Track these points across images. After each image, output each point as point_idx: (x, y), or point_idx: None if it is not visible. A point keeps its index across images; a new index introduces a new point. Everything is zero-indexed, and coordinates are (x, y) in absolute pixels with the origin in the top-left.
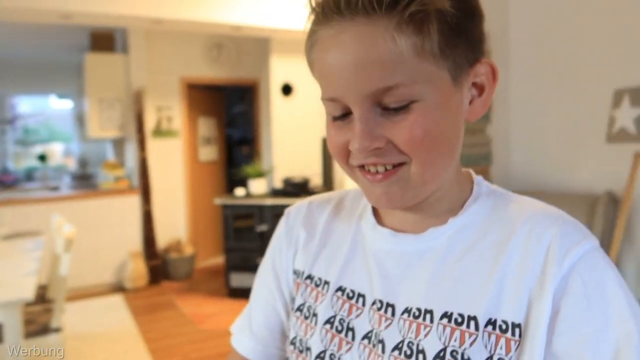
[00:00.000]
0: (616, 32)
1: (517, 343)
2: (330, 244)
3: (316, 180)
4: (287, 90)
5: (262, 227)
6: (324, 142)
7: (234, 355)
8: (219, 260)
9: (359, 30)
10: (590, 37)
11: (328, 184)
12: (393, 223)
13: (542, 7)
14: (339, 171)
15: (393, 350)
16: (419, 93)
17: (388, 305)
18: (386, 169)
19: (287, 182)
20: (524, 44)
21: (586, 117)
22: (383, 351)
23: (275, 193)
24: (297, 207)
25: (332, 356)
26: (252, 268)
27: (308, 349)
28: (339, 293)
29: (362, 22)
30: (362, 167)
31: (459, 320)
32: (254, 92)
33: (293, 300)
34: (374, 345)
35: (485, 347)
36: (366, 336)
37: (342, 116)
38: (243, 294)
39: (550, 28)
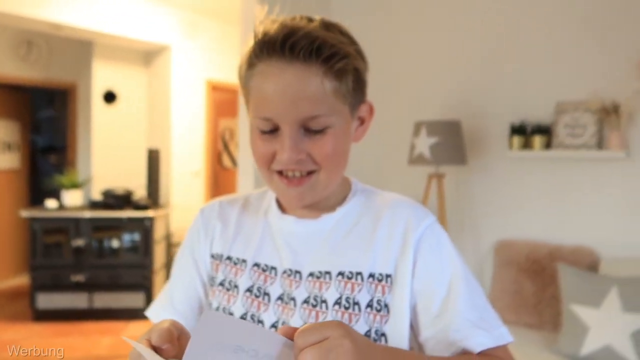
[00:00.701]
0: (415, 73)
1: (389, 287)
2: (243, 232)
3: (140, 192)
4: (110, 97)
5: (79, 242)
6: (150, 153)
7: None
8: (21, 280)
9: (297, 71)
10: (397, 77)
11: (154, 196)
12: (295, 213)
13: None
14: (164, 183)
15: (302, 303)
16: (332, 122)
17: (296, 272)
18: (301, 175)
19: (108, 194)
20: None
21: (393, 143)
22: (295, 305)
23: (94, 205)
24: (210, 205)
25: (253, 316)
26: (66, 287)
27: (231, 313)
28: (255, 267)
29: (298, 66)
30: (279, 172)
31: (350, 276)
32: (69, 97)
33: (211, 279)
34: (286, 303)
35: (368, 292)
36: (279, 297)
37: (270, 131)
38: (55, 316)
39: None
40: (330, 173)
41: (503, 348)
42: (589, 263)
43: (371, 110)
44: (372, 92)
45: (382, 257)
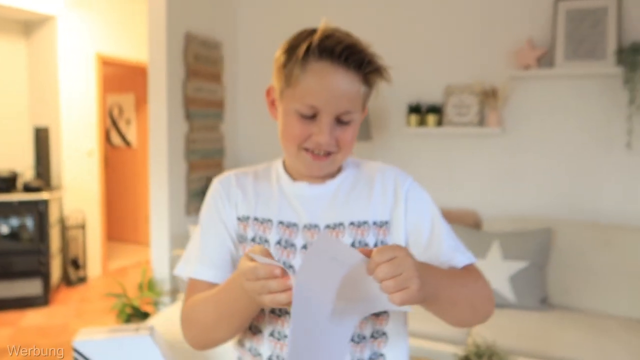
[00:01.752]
0: None
1: (388, 230)
2: (262, 197)
3: (28, 173)
4: None
5: None
6: (38, 132)
7: (197, 286)
8: None
9: (345, 76)
10: None
11: (45, 177)
12: (305, 180)
13: (263, 29)
14: (55, 164)
15: None
16: (355, 118)
17: (314, 225)
18: (324, 153)
19: None
20: (250, 57)
21: None
22: None
23: None
24: (225, 177)
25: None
26: None
27: None
28: (280, 225)
29: (348, 72)
30: (306, 149)
31: (359, 224)
32: None
33: (240, 237)
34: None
35: (374, 235)
36: (304, 246)
37: (309, 117)
38: None
39: (269, 47)
40: (344, 155)
41: (473, 265)
42: (474, 222)
43: (366, 111)
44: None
45: (380, 208)
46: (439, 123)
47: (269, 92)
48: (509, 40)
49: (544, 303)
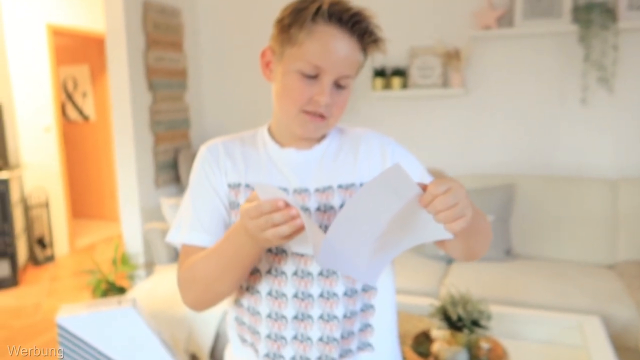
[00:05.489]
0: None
1: None
2: (251, 164)
3: None
4: None
5: None
6: None
7: (191, 252)
8: None
9: (350, 41)
10: (261, 26)
11: (2, 155)
12: (292, 146)
13: None
14: (12, 141)
15: (315, 211)
16: (350, 83)
17: (304, 189)
18: (319, 116)
19: None
20: (211, 24)
21: (264, 87)
22: (310, 213)
23: None
24: (213, 145)
25: None
26: None
27: None
28: None
29: (352, 38)
30: (305, 111)
31: (347, 187)
32: None
33: (232, 203)
34: (303, 212)
35: None
36: None
37: (311, 77)
38: None
39: (231, 13)
40: (336, 119)
41: None
42: None
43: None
44: (240, 35)
45: (367, 170)
46: (404, 86)
47: (264, 54)
48: (469, 1)
49: (509, 254)
